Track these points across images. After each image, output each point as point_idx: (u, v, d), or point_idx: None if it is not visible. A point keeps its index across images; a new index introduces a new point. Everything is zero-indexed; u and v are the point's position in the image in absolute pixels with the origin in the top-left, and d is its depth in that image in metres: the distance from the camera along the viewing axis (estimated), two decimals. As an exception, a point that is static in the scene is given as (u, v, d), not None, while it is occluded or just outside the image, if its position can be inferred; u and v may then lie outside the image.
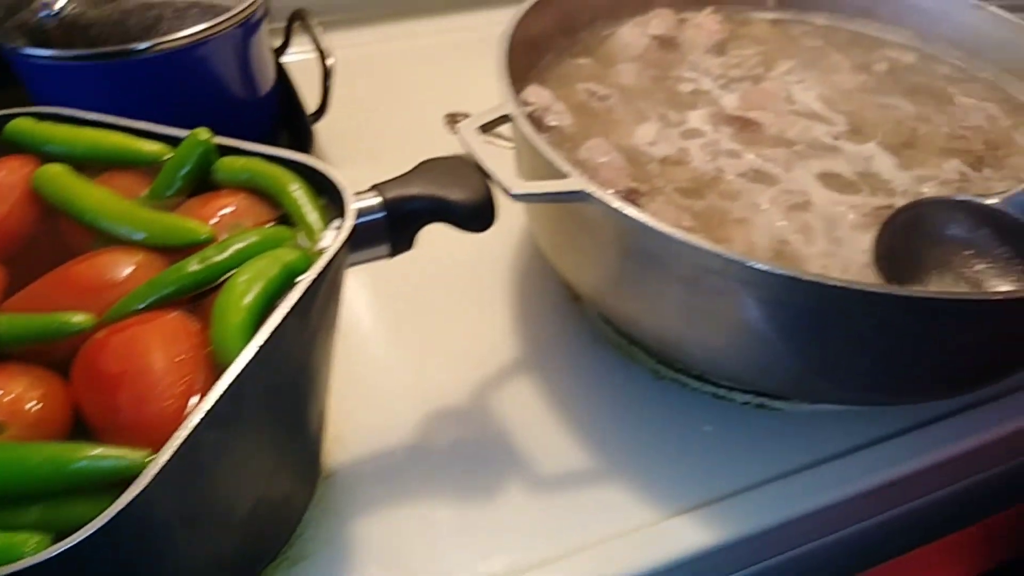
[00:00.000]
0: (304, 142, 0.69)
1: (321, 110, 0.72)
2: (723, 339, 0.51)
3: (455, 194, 0.48)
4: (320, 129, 0.76)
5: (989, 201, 0.53)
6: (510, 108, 0.54)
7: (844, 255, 0.55)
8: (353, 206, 0.44)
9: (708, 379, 0.59)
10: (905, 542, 0.66)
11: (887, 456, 0.56)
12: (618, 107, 0.67)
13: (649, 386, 0.60)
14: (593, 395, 0.60)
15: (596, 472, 0.55)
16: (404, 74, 0.88)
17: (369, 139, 0.76)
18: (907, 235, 0.54)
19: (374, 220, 0.47)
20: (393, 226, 0.47)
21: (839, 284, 0.44)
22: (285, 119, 0.74)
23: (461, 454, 0.55)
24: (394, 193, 0.47)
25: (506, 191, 0.48)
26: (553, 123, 0.64)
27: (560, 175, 0.50)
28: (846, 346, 0.48)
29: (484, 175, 0.49)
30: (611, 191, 0.56)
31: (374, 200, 0.47)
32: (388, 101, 0.81)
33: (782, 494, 0.54)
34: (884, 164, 0.62)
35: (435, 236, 0.51)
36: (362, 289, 0.66)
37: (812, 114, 0.67)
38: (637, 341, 0.61)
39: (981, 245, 0.52)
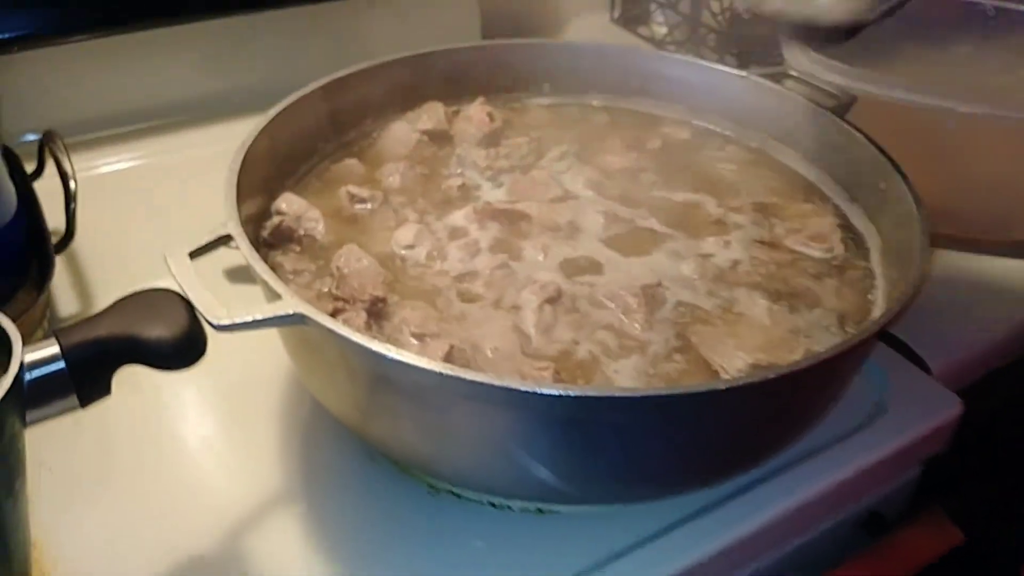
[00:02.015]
0: (45, 273, 0.64)
1: (68, 236, 0.67)
2: (463, 456, 0.48)
3: (152, 331, 0.44)
4: (77, 256, 0.71)
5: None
6: (231, 228, 0.51)
7: (600, 348, 0.53)
8: (18, 358, 0.40)
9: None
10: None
11: (673, 547, 0.53)
12: (380, 210, 0.64)
13: (424, 502, 0.56)
14: (366, 520, 0.55)
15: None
16: (166, 191, 0.83)
17: (126, 264, 0.70)
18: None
19: (52, 372, 0.42)
20: (77, 375, 0.43)
21: (558, 392, 0.41)
22: (36, 248, 0.68)
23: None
24: (76, 338, 0.43)
25: (208, 323, 0.45)
26: (307, 233, 0.61)
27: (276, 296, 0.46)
28: (589, 452, 0.46)
29: (189, 308, 0.46)
30: (356, 302, 0.53)
31: (49, 349, 0.42)
32: (150, 221, 0.76)
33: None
34: (650, 247, 0.61)
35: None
36: (92, 427, 0.60)
37: (579, 200, 0.66)
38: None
39: None
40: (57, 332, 0.43)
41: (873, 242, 0.63)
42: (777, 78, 0.74)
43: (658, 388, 0.42)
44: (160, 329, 0.44)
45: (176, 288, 0.47)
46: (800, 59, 0.76)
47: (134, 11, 0.85)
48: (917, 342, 0.67)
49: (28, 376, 0.41)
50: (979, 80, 0.77)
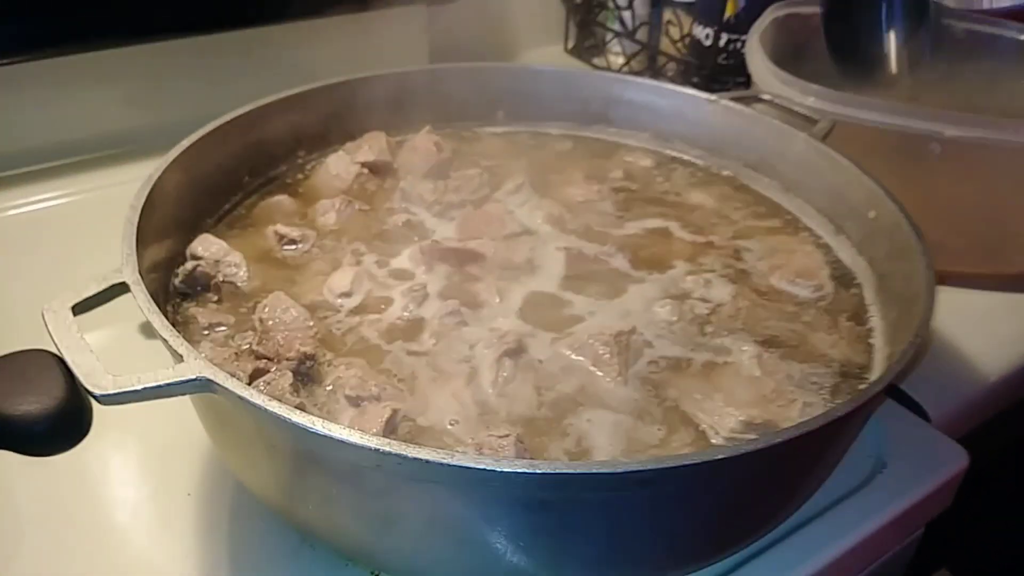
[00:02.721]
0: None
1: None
2: (415, 546, 0.40)
3: (18, 406, 0.36)
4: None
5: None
6: (127, 274, 0.42)
7: (568, 409, 0.45)
8: None
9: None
10: None
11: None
12: (312, 252, 0.56)
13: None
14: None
15: None
16: (57, 237, 0.73)
17: (14, 321, 0.60)
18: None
19: None
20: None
21: (524, 470, 0.34)
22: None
23: None
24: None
25: (89, 392, 0.36)
26: (226, 279, 0.53)
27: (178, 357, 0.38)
28: (554, 537, 0.38)
29: (68, 374, 0.37)
30: (282, 360, 0.45)
31: None
32: (33, 271, 0.66)
33: None
34: (620, 289, 0.54)
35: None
36: None
37: (538, 236, 0.59)
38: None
39: None
40: None
41: (864, 277, 0.56)
42: (748, 102, 0.69)
43: (643, 461, 0.34)
44: (29, 403, 0.36)
45: (55, 350, 0.38)
46: (771, 82, 0.70)
47: (48, 35, 0.77)
48: (914, 388, 0.60)
49: None
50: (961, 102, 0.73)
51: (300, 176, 0.65)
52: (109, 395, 0.36)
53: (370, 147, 0.65)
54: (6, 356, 0.38)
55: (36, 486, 0.51)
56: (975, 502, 0.62)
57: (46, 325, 0.39)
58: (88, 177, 0.80)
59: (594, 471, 0.34)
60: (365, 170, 0.64)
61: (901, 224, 0.52)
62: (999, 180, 0.66)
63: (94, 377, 0.36)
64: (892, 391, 0.60)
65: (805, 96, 0.68)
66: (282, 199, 0.62)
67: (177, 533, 0.50)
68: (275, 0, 0.83)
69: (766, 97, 0.69)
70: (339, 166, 0.64)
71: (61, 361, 0.38)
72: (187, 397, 0.43)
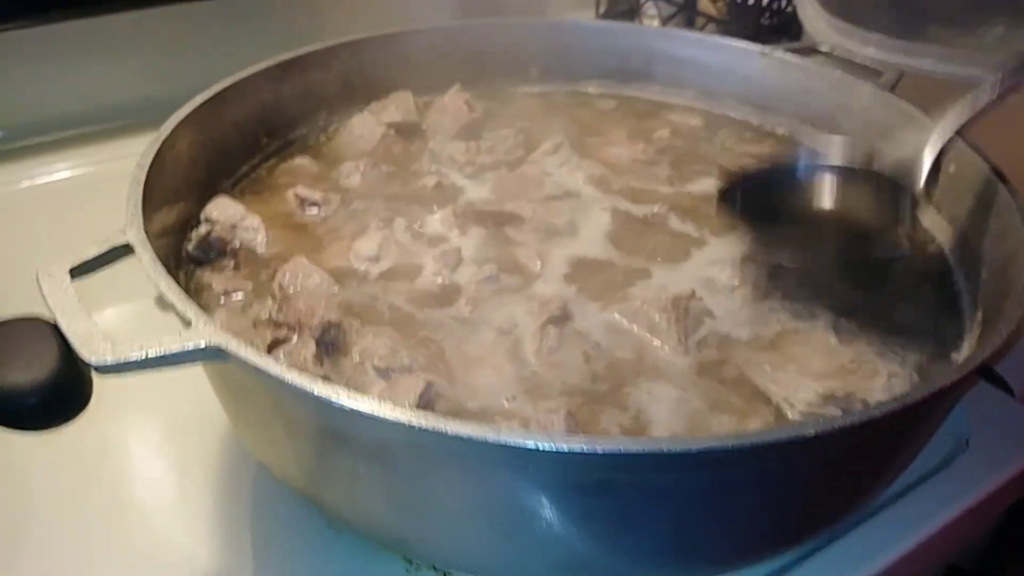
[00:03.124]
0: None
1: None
2: (451, 532, 0.36)
3: (6, 376, 0.31)
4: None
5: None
6: (131, 235, 0.38)
7: (622, 381, 0.40)
8: None
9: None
10: None
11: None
12: (335, 216, 0.52)
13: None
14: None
15: None
16: (67, 208, 0.70)
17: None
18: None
19: None
20: None
21: (580, 448, 0.29)
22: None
23: None
24: None
25: (85, 361, 0.32)
26: (243, 245, 0.48)
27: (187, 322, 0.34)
28: (609, 524, 0.34)
29: (63, 342, 0.33)
30: (305, 329, 0.41)
31: None
32: (35, 241, 0.63)
33: None
34: (674, 251, 0.49)
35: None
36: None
37: (580, 198, 0.54)
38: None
39: None
40: None
41: (945, 237, 0.51)
42: (804, 54, 0.63)
43: (719, 438, 0.30)
44: (19, 373, 0.32)
45: (48, 316, 0.34)
46: (827, 32, 0.64)
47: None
48: (1003, 366, 0.55)
49: None
50: None
51: (323, 138, 0.61)
52: (107, 365, 0.32)
53: (396, 107, 0.61)
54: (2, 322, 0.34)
55: (49, 464, 0.48)
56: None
57: (40, 288, 0.35)
58: (100, 149, 0.76)
59: (664, 449, 0.29)
60: (391, 131, 0.60)
61: (989, 179, 0.46)
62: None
63: (91, 345, 0.32)
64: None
65: (865, 46, 0.62)
66: (303, 161, 0.57)
67: (197, 513, 0.47)
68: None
69: (824, 49, 0.63)
70: (364, 127, 0.60)
71: (57, 329, 0.33)
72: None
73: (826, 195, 0.50)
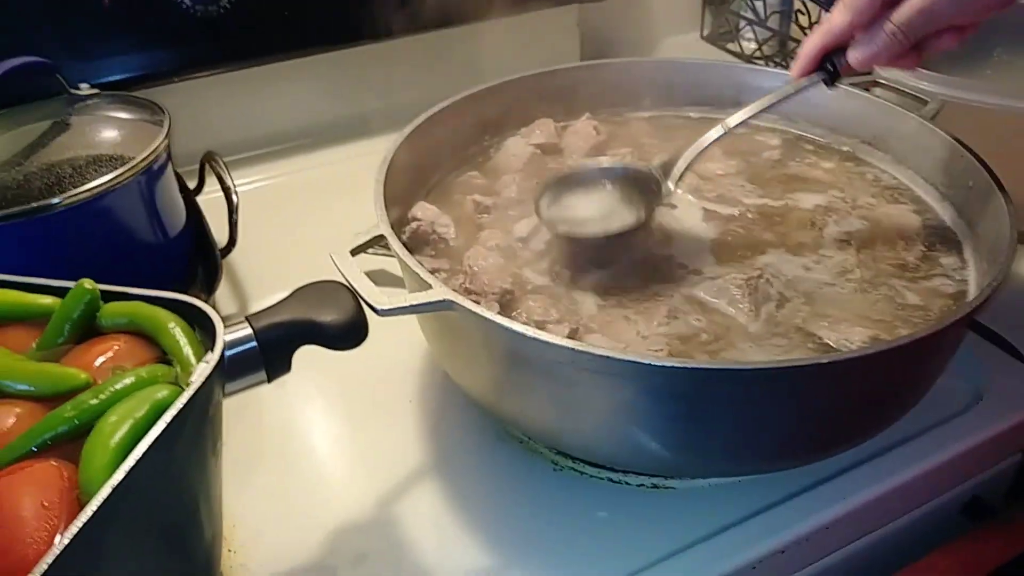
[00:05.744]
0: (212, 276, 0.73)
1: (231, 244, 0.76)
2: (588, 427, 0.54)
3: (325, 316, 0.52)
4: (234, 261, 0.81)
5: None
6: (383, 229, 0.58)
7: (708, 336, 0.58)
8: (221, 339, 0.47)
9: (602, 465, 0.62)
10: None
11: (780, 521, 0.58)
12: (501, 216, 0.71)
13: (548, 478, 0.62)
14: (495, 494, 0.62)
15: (498, 570, 0.56)
16: (310, 202, 0.93)
17: (279, 267, 0.80)
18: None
19: (246, 350, 0.50)
20: (266, 353, 0.51)
21: (677, 365, 0.47)
22: (202, 255, 0.78)
23: (366, 569, 0.57)
24: (265, 322, 0.51)
25: (372, 308, 0.52)
26: (440, 236, 0.68)
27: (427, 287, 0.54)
28: (703, 424, 0.52)
29: (354, 296, 0.53)
30: (488, 294, 0.60)
31: (244, 331, 0.50)
32: (298, 229, 0.86)
33: (680, 568, 0.56)
34: (752, 245, 0.67)
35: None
36: (256, 409, 0.69)
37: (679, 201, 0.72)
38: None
39: None
40: (249, 317, 0.51)
41: (964, 237, 0.66)
42: (866, 86, 0.79)
43: (793, 359, 0.47)
44: (333, 314, 0.52)
45: (341, 280, 0.54)
46: (889, 67, 0.80)
47: (265, 44, 0.96)
48: (1013, 335, 0.70)
49: (228, 354, 0.49)
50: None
51: (484, 157, 0.80)
52: (386, 310, 0.52)
53: (540, 131, 0.80)
54: (311, 284, 0.54)
55: (277, 401, 0.69)
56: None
57: (335, 263, 0.55)
58: (299, 159, 1.02)
59: (737, 368, 0.47)
60: (537, 151, 0.78)
61: (992, 189, 0.62)
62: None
63: (376, 298, 0.52)
64: (990, 336, 0.70)
65: (918, 80, 0.77)
66: (473, 175, 0.77)
67: (396, 433, 0.67)
68: (450, 6, 0.99)
69: (882, 80, 0.79)
70: (516, 147, 0.79)
71: (348, 288, 0.54)
72: (413, 323, 0.59)
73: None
